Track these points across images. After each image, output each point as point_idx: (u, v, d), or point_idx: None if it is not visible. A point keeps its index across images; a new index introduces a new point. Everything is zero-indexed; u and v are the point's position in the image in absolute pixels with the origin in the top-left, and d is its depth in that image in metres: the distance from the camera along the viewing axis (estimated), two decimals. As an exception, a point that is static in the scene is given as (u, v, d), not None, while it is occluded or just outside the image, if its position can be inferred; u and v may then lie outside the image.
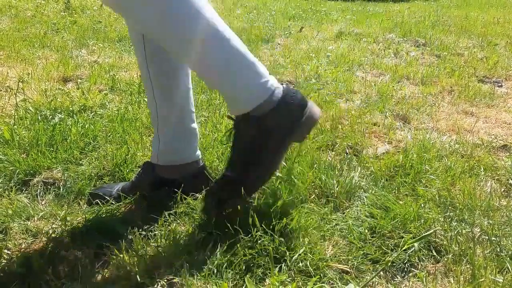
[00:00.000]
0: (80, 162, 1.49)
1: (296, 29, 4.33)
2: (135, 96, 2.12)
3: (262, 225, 1.06)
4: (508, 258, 1.04)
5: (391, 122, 1.92)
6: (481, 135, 1.83)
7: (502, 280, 0.96)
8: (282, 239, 1.05)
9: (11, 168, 1.40)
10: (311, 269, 0.98)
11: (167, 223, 1.15)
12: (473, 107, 2.19)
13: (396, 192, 1.33)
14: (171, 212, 1.18)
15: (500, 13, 6.07)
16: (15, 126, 1.67)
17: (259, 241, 1.04)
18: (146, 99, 2.05)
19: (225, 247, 1.02)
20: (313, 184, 1.34)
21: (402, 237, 1.11)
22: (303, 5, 6.71)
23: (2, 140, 1.56)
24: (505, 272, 1.01)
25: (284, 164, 1.24)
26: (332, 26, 4.65)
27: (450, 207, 1.25)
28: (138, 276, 0.94)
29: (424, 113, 2.07)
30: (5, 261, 0.98)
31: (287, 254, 1.01)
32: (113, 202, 1.22)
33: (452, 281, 0.99)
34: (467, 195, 1.29)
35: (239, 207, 1.09)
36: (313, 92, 2.30)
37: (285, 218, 1.08)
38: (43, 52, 2.94)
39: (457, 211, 1.22)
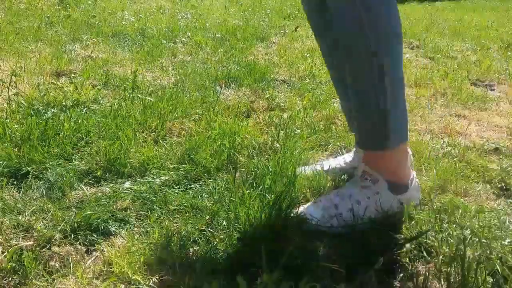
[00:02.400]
0: (73, 157, 1.48)
1: (291, 28, 4.34)
2: (128, 92, 2.11)
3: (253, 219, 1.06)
4: (498, 261, 1.05)
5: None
6: (473, 138, 1.84)
7: (492, 282, 0.97)
8: (275, 237, 1.05)
9: (2, 162, 1.38)
10: (303, 269, 0.99)
11: (159, 220, 1.15)
12: (466, 110, 2.21)
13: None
14: (163, 210, 1.18)
15: (494, 17, 6.11)
16: (7, 120, 1.66)
17: (251, 239, 1.04)
18: (139, 95, 2.05)
19: (217, 245, 1.02)
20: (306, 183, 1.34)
21: (394, 238, 1.12)
22: (299, 5, 6.71)
23: (-7, 134, 1.54)
24: (495, 274, 1.02)
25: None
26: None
27: (441, 209, 1.25)
28: (129, 273, 0.93)
29: (417, 115, 2.08)
30: (-5, 256, 0.98)
31: (279, 252, 1.02)
32: (108, 199, 1.22)
33: (443, 283, 0.99)
34: (458, 197, 1.30)
35: None
36: (307, 92, 2.30)
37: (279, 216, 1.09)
38: (36, 46, 2.91)
39: (448, 213, 1.23)
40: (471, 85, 2.66)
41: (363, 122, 1.16)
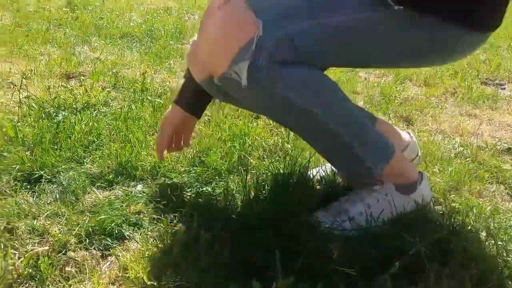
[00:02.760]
0: (84, 160, 1.48)
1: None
2: (138, 94, 2.11)
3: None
4: (515, 263, 1.05)
5: (395, 123, 1.92)
6: (485, 137, 1.83)
7: (510, 284, 0.96)
8: (288, 241, 1.05)
9: (15, 166, 1.39)
10: (318, 273, 0.98)
11: (173, 224, 1.15)
12: (477, 109, 2.19)
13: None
14: (176, 213, 1.18)
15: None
16: (19, 123, 1.67)
17: (265, 244, 1.04)
18: (149, 97, 2.06)
19: (231, 249, 1.02)
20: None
21: (408, 240, 1.11)
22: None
23: (6, 138, 1.55)
24: (512, 277, 1.01)
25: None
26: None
27: (455, 210, 1.25)
28: (145, 278, 0.93)
29: (428, 115, 2.07)
30: (12, 262, 0.98)
31: (293, 257, 1.01)
32: (121, 203, 1.22)
33: (459, 286, 0.99)
34: (472, 199, 1.30)
35: None
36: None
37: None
38: (46, 48, 2.93)
39: (463, 214, 1.22)
40: (481, 84, 2.65)
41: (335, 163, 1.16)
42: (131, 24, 3.83)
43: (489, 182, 1.44)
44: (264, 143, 1.65)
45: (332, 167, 1.32)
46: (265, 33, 0.91)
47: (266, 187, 1.31)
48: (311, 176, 1.37)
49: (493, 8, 1.07)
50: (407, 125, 1.93)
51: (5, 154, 1.44)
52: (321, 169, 1.41)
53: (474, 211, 1.23)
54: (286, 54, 0.93)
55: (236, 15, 0.93)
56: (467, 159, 1.58)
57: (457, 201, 1.30)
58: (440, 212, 1.23)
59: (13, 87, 1.89)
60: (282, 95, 0.96)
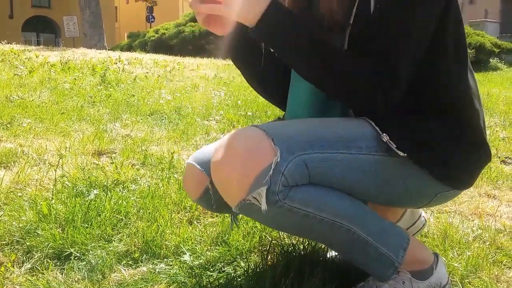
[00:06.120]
0: (112, 238, 1.55)
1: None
2: (165, 172, 2.21)
3: None
4: None
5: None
6: (503, 220, 1.85)
7: None
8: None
9: (48, 243, 1.47)
10: None
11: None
12: (496, 189, 2.22)
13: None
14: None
15: (522, 90, 6.16)
16: (53, 201, 1.77)
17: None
18: (176, 175, 2.15)
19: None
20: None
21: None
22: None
23: (40, 215, 1.64)
24: None
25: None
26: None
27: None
28: None
29: (447, 195, 2.09)
30: None
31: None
32: (145, 283, 1.27)
33: None
34: (492, 283, 1.30)
35: None
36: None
37: None
38: (80, 125, 3.11)
39: (480, 302, 1.23)
40: (500, 163, 2.68)
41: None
42: (160, 101, 4.04)
43: (507, 267, 1.44)
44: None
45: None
46: (282, 159, 0.99)
47: (287, 267, 1.34)
48: (332, 257, 1.41)
49: (477, 173, 1.23)
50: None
51: (38, 231, 1.53)
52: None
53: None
54: (300, 178, 1.02)
55: (256, 141, 1.02)
56: (486, 243, 1.60)
57: (475, 284, 1.31)
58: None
59: (50, 167, 2.01)
60: (302, 213, 1.04)
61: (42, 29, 28.27)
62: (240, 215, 1.37)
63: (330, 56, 1.06)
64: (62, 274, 1.34)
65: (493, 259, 1.49)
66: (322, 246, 1.47)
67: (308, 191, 1.03)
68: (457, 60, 1.15)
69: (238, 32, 1.17)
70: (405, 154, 1.05)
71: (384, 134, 1.05)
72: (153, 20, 26.30)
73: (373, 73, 1.04)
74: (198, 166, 1.26)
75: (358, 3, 1.07)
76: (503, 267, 1.45)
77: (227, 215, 1.74)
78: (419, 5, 1.04)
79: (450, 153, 1.12)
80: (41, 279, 1.29)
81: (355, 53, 1.06)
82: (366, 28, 1.06)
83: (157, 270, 1.37)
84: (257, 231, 1.60)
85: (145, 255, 1.46)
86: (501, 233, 1.69)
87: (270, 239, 1.57)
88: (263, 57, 1.29)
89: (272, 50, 1.27)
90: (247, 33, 1.08)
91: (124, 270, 1.38)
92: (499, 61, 14.71)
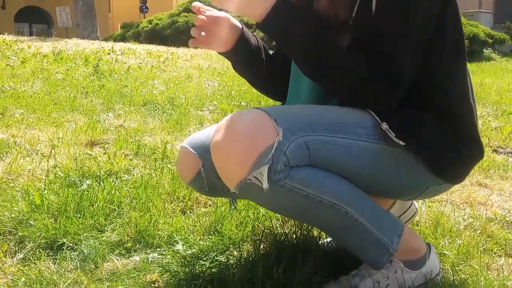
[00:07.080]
0: (105, 228, 1.55)
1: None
2: (158, 162, 2.21)
3: None
4: None
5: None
6: (494, 208, 1.86)
7: None
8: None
9: (40, 234, 1.47)
10: None
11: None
12: (487, 179, 2.23)
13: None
14: (191, 286, 1.22)
15: (515, 80, 6.18)
16: (45, 191, 1.76)
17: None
18: (169, 166, 2.15)
19: None
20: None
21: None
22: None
23: (33, 206, 1.64)
24: None
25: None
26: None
27: (464, 282, 1.27)
28: None
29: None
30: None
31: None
32: (138, 272, 1.27)
33: None
34: (482, 270, 1.32)
35: None
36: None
37: None
38: (73, 116, 3.09)
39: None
40: (492, 152, 2.69)
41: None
42: (154, 91, 4.02)
43: (497, 255, 1.46)
44: (277, 212, 1.70)
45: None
46: (284, 139, 1.00)
47: (279, 256, 1.35)
48: (324, 245, 1.42)
49: (469, 169, 1.26)
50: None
51: (31, 221, 1.53)
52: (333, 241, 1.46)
53: (482, 284, 1.25)
54: (301, 159, 1.03)
55: (258, 121, 1.02)
56: (477, 232, 1.61)
57: (465, 272, 1.32)
58: (449, 285, 1.25)
59: (42, 157, 2.00)
60: (302, 193, 1.04)
61: (34, 20, 28.01)
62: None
63: (332, 54, 1.07)
64: (55, 264, 1.34)
65: (483, 247, 1.50)
66: (315, 235, 1.47)
67: (309, 171, 1.04)
68: (455, 59, 1.16)
69: (237, 47, 1.27)
70: (404, 143, 1.05)
71: (384, 122, 1.06)
72: (146, 10, 26.11)
73: (374, 73, 1.05)
74: (192, 150, 1.27)
75: (359, 2, 1.08)
76: (493, 255, 1.46)
77: (220, 204, 1.74)
78: (419, 5, 1.05)
79: (445, 146, 1.14)
80: (33, 269, 1.29)
81: (357, 52, 1.07)
82: (367, 27, 1.07)
83: (150, 259, 1.38)
84: (250, 220, 1.61)
85: (138, 245, 1.47)
86: (492, 221, 1.71)
87: (262, 228, 1.57)
88: (264, 65, 1.37)
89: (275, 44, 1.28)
90: (245, 47, 1.18)
91: (117, 259, 1.38)
92: (492, 51, 14.75)
